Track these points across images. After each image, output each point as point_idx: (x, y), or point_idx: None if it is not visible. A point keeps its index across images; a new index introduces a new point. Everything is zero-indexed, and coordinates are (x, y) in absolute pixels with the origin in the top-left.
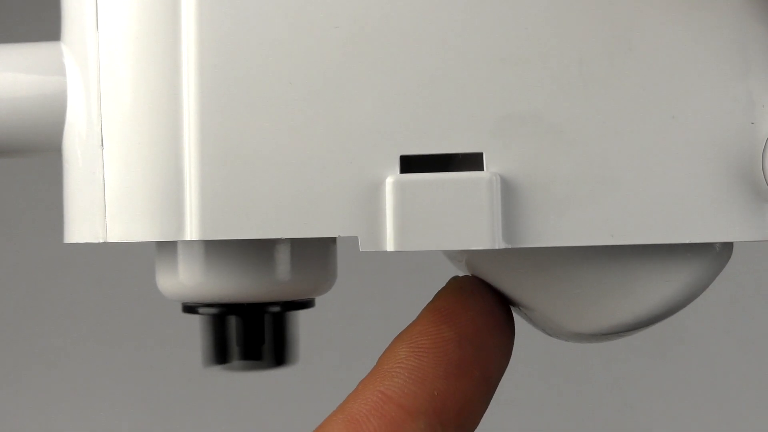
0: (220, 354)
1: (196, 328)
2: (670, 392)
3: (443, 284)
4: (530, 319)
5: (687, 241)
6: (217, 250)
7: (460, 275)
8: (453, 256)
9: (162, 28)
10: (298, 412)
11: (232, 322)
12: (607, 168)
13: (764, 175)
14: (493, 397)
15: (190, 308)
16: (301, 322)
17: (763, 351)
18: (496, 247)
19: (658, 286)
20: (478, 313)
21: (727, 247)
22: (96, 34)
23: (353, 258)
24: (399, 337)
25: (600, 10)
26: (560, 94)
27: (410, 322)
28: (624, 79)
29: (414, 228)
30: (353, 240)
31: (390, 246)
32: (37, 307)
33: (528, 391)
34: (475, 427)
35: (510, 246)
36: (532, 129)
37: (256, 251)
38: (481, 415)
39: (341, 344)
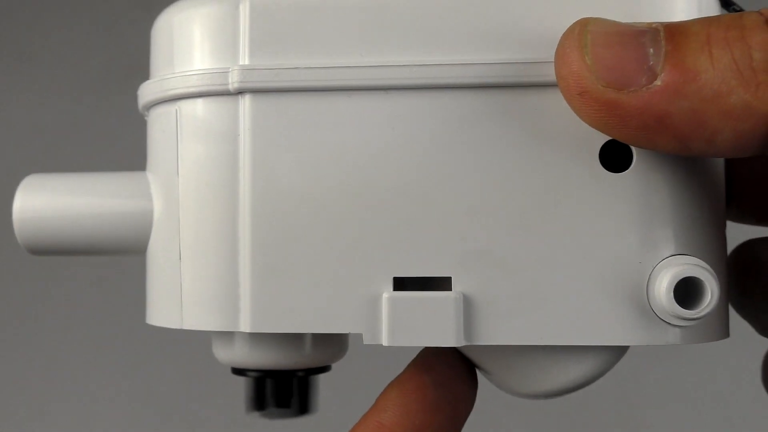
0: (258, 404)
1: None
2: (669, 392)
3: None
4: (490, 379)
5: (598, 344)
6: (263, 334)
7: None
8: None
9: (226, 178)
10: (314, 420)
11: (269, 382)
12: (538, 290)
13: (647, 299)
14: (493, 397)
15: (239, 371)
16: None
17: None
18: (459, 345)
19: (575, 366)
20: (448, 366)
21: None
22: (177, 178)
23: None
24: (391, 383)
25: (536, 177)
26: (505, 236)
27: (399, 369)
28: (551, 226)
29: (401, 330)
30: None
31: (385, 341)
32: (38, 307)
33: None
34: None
35: (468, 344)
36: (485, 260)
37: (289, 334)
38: None
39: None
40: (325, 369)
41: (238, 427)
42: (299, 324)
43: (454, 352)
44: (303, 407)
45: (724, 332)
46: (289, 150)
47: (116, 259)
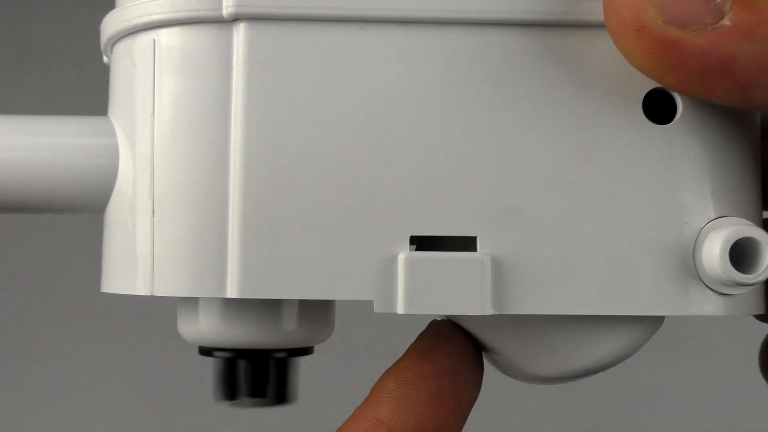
0: (230, 391)
1: None
2: (670, 392)
3: (426, 325)
4: (495, 362)
5: (639, 313)
6: (234, 305)
7: (439, 319)
8: None
9: (214, 120)
10: (298, 414)
11: (242, 364)
12: (573, 253)
13: (694, 264)
14: (494, 397)
15: (206, 351)
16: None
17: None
18: (485, 314)
19: (603, 343)
20: (453, 351)
21: (658, 318)
22: (152, 119)
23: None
24: (388, 372)
25: (572, 129)
26: (538, 194)
27: (397, 354)
28: (586, 185)
29: (420, 296)
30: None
31: (400, 309)
32: (38, 307)
33: (528, 391)
34: None
35: (496, 313)
36: (515, 220)
37: (267, 306)
38: None
39: (343, 347)
40: (307, 351)
41: (238, 426)
42: (297, 289)
43: (459, 333)
44: (281, 395)
45: (762, 306)
46: (291, 88)
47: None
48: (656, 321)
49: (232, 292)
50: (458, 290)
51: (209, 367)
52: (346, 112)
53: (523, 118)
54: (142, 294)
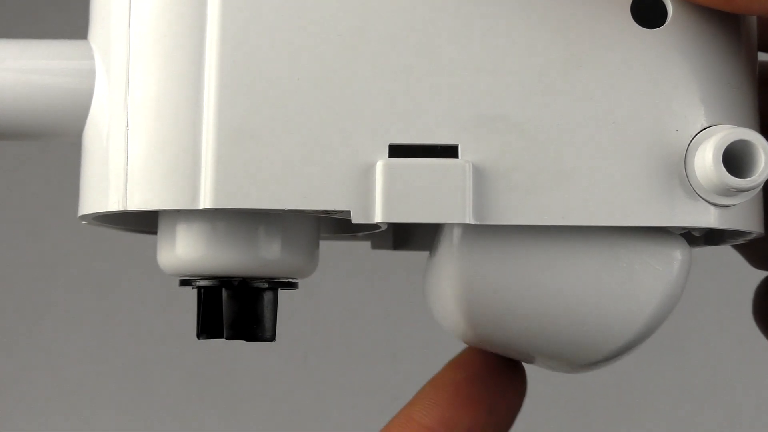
0: (210, 325)
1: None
2: (670, 392)
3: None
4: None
5: (625, 224)
6: (212, 228)
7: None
8: (451, 330)
9: (189, 27)
10: (298, 412)
11: (223, 294)
12: (560, 161)
13: (686, 174)
14: None
15: (185, 282)
16: (310, 326)
17: (763, 351)
18: (467, 222)
19: (639, 309)
20: (488, 360)
21: (686, 256)
22: (128, 31)
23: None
24: (428, 382)
25: (557, 34)
26: (523, 98)
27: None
28: (575, 89)
29: (399, 203)
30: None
31: (378, 218)
32: (37, 307)
33: (529, 391)
34: None
35: (478, 222)
36: (499, 126)
37: (246, 231)
38: None
39: (343, 348)
40: (291, 285)
41: (239, 426)
42: (271, 199)
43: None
44: (263, 329)
45: (760, 224)
46: None
47: (115, 256)
48: (683, 261)
49: (205, 202)
50: (438, 198)
51: (209, 368)
52: (323, 18)
53: (507, 22)
54: (115, 210)
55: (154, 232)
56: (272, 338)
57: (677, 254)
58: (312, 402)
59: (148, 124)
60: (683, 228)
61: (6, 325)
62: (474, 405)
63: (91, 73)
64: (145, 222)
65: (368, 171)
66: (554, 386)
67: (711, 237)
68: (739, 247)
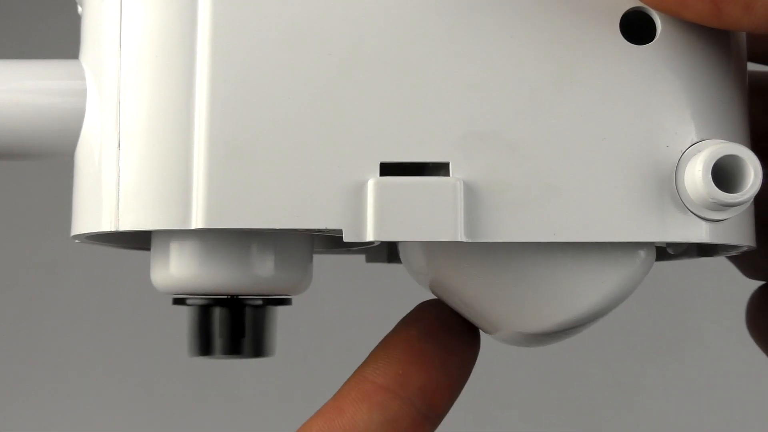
0: (204, 344)
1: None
2: (670, 392)
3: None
4: (483, 325)
5: (615, 240)
6: (205, 247)
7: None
8: (417, 271)
9: (179, 47)
10: (298, 411)
11: (217, 312)
12: (551, 178)
13: (677, 189)
14: (494, 398)
15: (179, 300)
16: (306, 328)
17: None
18: (458, 240)
19: (592, 287)
20: (439, 316)
21: (650, 256)
22: (119, 51)
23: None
24: (383, 339)
25: (549, 51)
26: (514, 116)
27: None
28: (566, 106)
29: (390, 222)
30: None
31: (369, 236)
32: (37, 307)
33: (529, 392)
34: (446, 408)
35: (469, 240)
36: (491, 144)
37: (240, 249)
38: (451, 399)
39: (338, 348)
40: (285, 302)
41: (237, 426)
42: (263, 218)
43: (445, 305)
44: (258, 347)
45: (751, 238)
46: (257, 14)
47: (114, 258)
48: (646, 260)
49: (197, 223)
50: (430, 216)
51: (209, 367)
52: (315, 37)
53: (498, 40)
54: (108, 230)
55: (148, 249)
56: (269, 354)
57: (641, 252)
58: (312, 402)
59: (140, 144)
60: (673, 243)
61: (6, 325)
62: (426, 361)
63: (83, 93)
64: (139, 239)
65: (360, 189)
66: (554, 386)
67: (704, 249)
68: (732, 258)
